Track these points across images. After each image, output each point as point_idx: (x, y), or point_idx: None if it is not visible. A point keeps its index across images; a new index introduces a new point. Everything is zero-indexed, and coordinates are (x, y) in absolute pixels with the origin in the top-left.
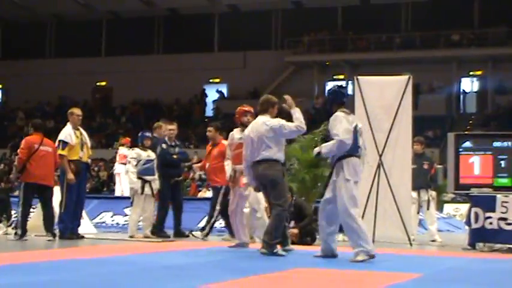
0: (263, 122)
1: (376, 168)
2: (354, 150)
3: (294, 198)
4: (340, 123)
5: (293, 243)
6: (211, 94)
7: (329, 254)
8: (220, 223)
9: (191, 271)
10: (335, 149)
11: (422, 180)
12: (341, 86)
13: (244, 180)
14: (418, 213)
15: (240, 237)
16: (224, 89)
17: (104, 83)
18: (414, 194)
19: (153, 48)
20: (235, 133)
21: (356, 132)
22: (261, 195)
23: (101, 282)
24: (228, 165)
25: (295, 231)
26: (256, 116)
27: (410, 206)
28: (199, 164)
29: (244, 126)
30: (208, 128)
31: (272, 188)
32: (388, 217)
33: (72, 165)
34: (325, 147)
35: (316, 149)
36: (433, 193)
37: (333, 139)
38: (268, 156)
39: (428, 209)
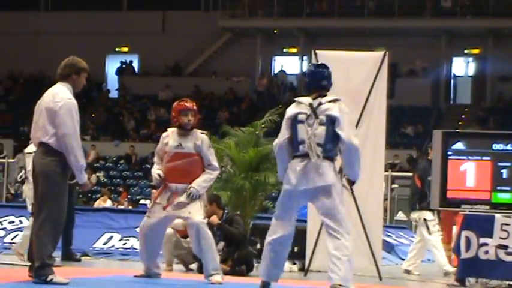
0: None
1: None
2: (293, 150)
3: (226, 212)
4: (285, 122)
5: (225, 273)
6: (116, 68)
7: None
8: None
9: None
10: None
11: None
12: (320, 65)
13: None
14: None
15: (147, 262)
16: (134, 62)
17: None
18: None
19: (38, 2)
20: (171, 138)
21: (295, 122)
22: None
23: None
24: (153, 169)
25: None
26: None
27: (381, 225)
28: None
29: (183, 129)
30: None
31: None
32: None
33: None
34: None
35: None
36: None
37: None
38: None
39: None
